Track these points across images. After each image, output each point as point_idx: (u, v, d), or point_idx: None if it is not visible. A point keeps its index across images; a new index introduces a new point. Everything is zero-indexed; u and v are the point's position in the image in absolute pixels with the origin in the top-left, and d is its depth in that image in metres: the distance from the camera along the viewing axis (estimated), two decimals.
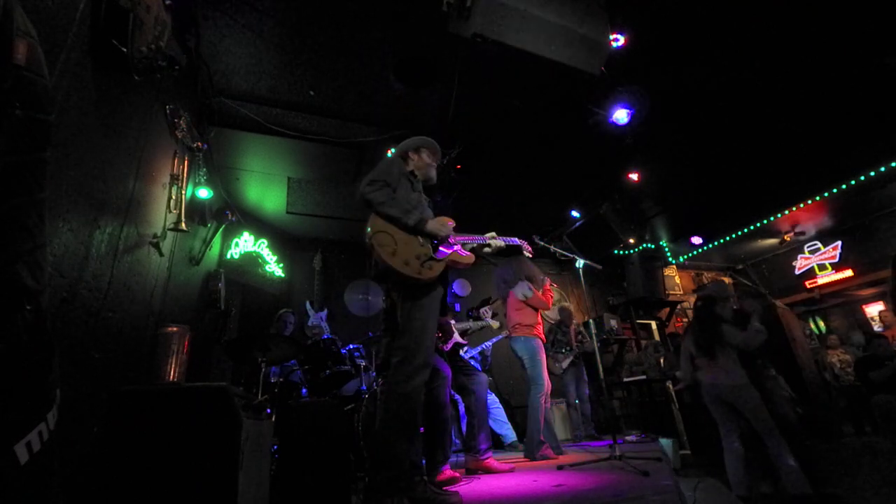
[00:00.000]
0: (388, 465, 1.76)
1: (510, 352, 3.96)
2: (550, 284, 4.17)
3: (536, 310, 3.93)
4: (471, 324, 4.13)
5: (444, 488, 2.16)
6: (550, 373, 5.01)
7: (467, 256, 2.24)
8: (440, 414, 2.57)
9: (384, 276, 2.07)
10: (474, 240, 2.36)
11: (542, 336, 3.87)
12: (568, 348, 5.22)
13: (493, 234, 2.48)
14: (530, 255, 2.85)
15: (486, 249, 2.44)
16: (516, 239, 2.62)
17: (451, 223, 2.22)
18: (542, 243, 4.07)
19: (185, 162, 2.87)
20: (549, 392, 3.73)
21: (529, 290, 3.87)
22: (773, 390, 3.27)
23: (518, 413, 5.68)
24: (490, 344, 5.02)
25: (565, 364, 5.14)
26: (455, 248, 2.21)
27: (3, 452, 0.58)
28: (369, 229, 2.03)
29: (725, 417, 3.15)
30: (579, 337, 5.39)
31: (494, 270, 4.29)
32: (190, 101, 3.22)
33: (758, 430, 2.94)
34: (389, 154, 4.12)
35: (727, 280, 8.52)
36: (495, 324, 4.25)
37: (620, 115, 3.80)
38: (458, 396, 3.54)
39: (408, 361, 1.90)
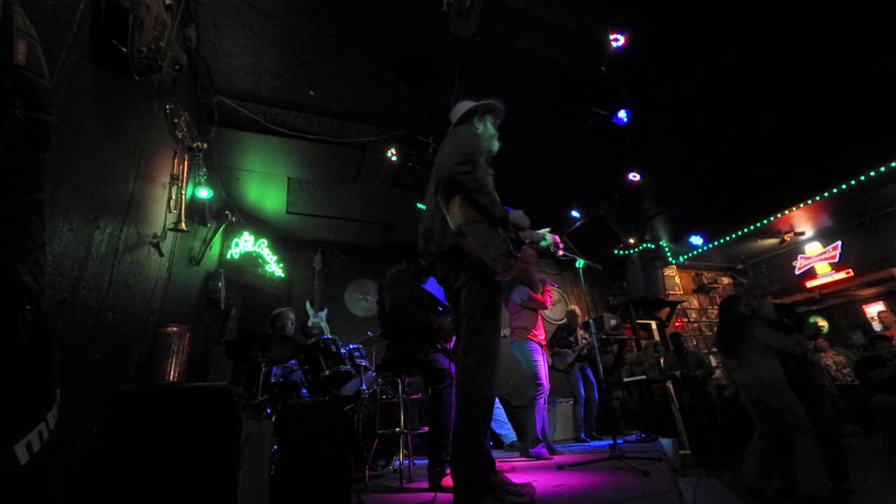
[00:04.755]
0: (485, 466, 1.77)
1: (509, 352, 3.98)
2: (551, 285, 4.20)
3: (535, 312, 3.96)
4: None
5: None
6: (556, 370, 5.04)
7: (532, 252, 2.12)
8: (446, 415, 2.56)
9: (466, 269, 1.90)
10: (532, 234, 2.18)
11: (540, 339, 3.90)
12: (575, 346, 5.26)
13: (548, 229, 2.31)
14: (560, 250, 2.55)
15: (543, 244, 2.27)
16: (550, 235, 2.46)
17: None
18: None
19: (185, 162, 2.87)
20: (547, 393, 3.76)
21: (526, 293, 3.92)
22: (816, 387, 3.17)
23: (518, 413, 5.68)
24: None
25: (570, 360, 5.17)
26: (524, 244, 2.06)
27: (3, 452, 0.58)
28: (458, 218, 1.84)
29: (761, 416, 3.04)
30: (585, 341, 5.40)
31: None
32: (190, 100, 3.21)
33: (791, 428, 2.85)
34: (389, 153, 4.12)
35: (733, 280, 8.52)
36: None
37: (620, 115, 3.80)
38: None
39: (488, 362, 1.85)
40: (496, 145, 2.29)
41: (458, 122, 2.29)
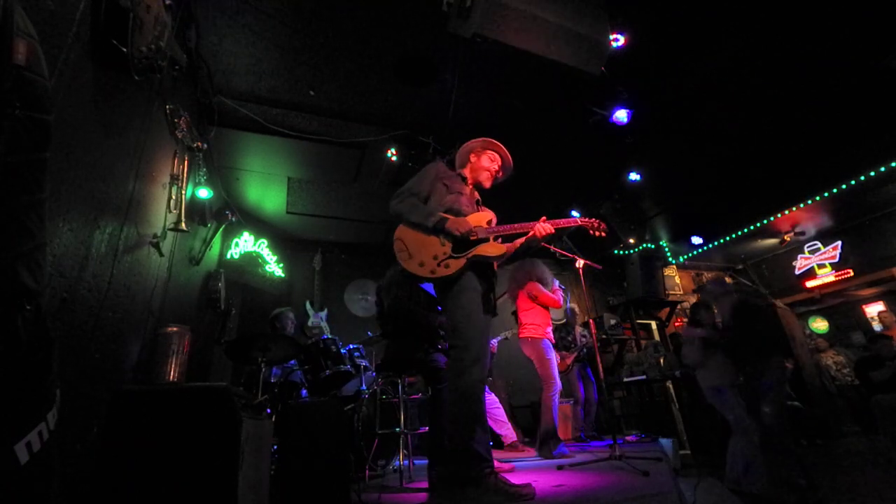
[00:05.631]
0: (457, 460, 1.81)
1: (511, 352, 3.99)
2: (560, 286, 4.22)
3: (546, 309, 3.98)
4: None
5: None
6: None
7: (493, 247, 2.16)
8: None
9: (410, 278, 2.22)
10: (506, 228, 2.24)
11: (551, 336, 3.91)
12: (574, 346, 5.27)
13: (543, 218, 2.29)
14: (602, 236, 2.50)
15: (530, 236, 2.24)
16: (576, 219, 2.38)
17: (483, 217, 2.22)
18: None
19: (185, 162, 2.87)
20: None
21: (540, 290, 3.94)
22: (759, 389, 3.22)
23: (518, 413, 5.68)
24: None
25: (569, 361, 5.18)
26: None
27: (3, 452, 0.58)
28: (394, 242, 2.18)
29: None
30: (583, 340, 5.41)
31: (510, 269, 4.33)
32: (190, 100, 3.21)
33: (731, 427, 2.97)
34: (389, 153, 4.13)
35: (728, 279, 8.51)
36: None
37: (620, 115, 3.80)
38: None
39: (461, 359, 1.94)
40: (485, 176, 2.49)
41: (449, 162, 2.66)
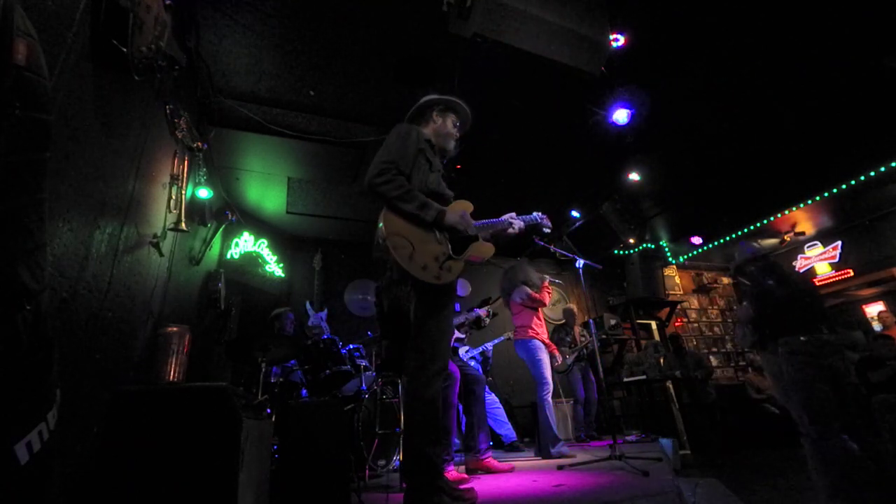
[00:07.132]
0: (423, 470, 1.72)
1: (510, 352, 3.99)
2: (550, 282, 4.22)
3: (536, 310, 3.99)
4: (463, 317, 4.15)
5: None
6: (556, 371, 5.07)
7: (487, 247, 2.02)
8: (448, 415, 2.57)
9: (402, 279, 1.93)
10: (493, 224, 2.10)
11: (542, 337, 3.92)
12: (573, 345, 5.27)
13: (513, 214, 2.21)
14: (549, 230, 2.49)
15: (510, 231, 2.16)
16: (536, 215, 2.35)
17: (470, 208, 2.03)
18: (541, 243, 4.11)
19: (185, 162, 2.87)
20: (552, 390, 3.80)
21: (526, 293, 3.95)
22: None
23: (518, 413, 5.68)
24: (491, 346, 5.04)
25: (570, 360, 5.19)
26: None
27: (3, 452, 0.58)
28: (381, 226, 1.81)
29: None
30: (583, 340, 5.41)
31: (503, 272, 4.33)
32: (190, 101, 3.21)
33: None
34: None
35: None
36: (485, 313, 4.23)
37: (620, 115, 3.80)
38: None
39: (426, 367, 1.79)
40: (452, 144, 2.22)
41: (408, 118, 2.24)
